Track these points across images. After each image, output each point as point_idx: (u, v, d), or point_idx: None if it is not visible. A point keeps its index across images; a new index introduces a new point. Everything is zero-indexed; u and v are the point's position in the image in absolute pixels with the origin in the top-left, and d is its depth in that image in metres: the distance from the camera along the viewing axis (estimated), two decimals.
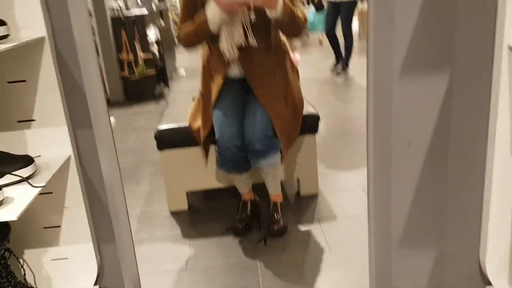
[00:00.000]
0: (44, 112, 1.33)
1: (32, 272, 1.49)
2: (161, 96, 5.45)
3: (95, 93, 1.25)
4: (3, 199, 1.08)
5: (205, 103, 2.29)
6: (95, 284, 1.53)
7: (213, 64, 2.27)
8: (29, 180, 1.19)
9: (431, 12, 1.11)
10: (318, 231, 2.32)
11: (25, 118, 1.32)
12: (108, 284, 1.56)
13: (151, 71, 5.28)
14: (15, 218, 1.03)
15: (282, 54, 2.28)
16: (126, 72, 5.17)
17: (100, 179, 1.41)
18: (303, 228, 2.36)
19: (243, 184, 2.37)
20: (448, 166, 1.25)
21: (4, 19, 1.18)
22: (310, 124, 2.51)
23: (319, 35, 8.00)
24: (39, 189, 1.16)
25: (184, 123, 2.52)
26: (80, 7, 1.32)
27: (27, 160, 1.22)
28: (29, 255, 1.47)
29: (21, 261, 1.46)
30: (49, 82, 1.29)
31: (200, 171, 2.55)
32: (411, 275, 1.38)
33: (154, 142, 2.51)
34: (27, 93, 1.30)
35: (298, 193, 2.72)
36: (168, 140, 2.49)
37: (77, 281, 1.51)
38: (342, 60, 5.93)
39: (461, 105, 1.19)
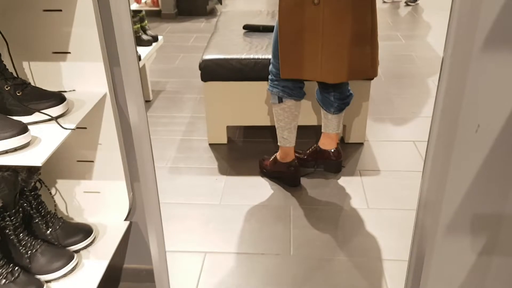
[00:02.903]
0: (80, 45, 1.24)
1: (65, 202, 1.50)
2: (212, 13, 5.24)
3: (124, 29, 1.12)
4: (29, 141, 1.04)
5: None
6: (125, 219, 1.53)
7: None
8: (59, 120, 1.14)
9: None
10: (358, 184, 2.23)
11: (60, 50, 1.25)
12: (138, 220, 1.56)
13: None
14: (39, 164, 0.99)
15: None
16: None
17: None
18: (342, 179, 2.27)
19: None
20: None
21: None
22: None
23: None
24: (68, 131, 1.11)
25: (231, 55, 2.39)
26: None
27: (59, 98, 1.16)
28: (62, 185, 1.47)
29: (52, 191, 1.47)
30: (86, 13, 1.18)
31: (243, 106, 2.46)
32: (454, 262, 1.29)
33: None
34: (62, 24, 1.21)
35: (342, 139, 2.60)
36: (213, 71, 2.38)
37: (108, 214, 1.51)
38: None
39: None
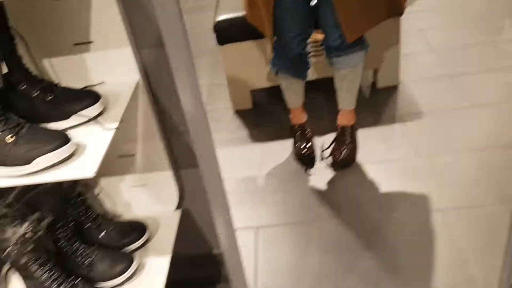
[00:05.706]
0: (103, 32, 1.11)
1: (112, 200, 1.41)
2: None
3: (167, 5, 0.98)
4: (74, 151, 0.93)
5: None
6: (176, 208, 1.45)
7: None
8: (98, 119, 1.03)
9: None
10: (399, 132, 2.11)
11: (82, 40, 1.11)
12: (190, 207, 1.48)
13: None
14: (92, 175, 0.89)
15: None
16: None
17: (177, 105, 1.22)
18: (382, 129, 2.15)
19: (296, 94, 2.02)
20: None
21: None
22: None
23: None
24: (112, 131, 1.00)
25: None
26: None
27: (93, 96, 1.04)
28: (107, 183, 1.38)
29: (97, 191, 1.38)
30: None
31: (266, 66, 2.31)
32: None
33: (209, 27, 2.24)
34: (79, 10, 1.07)
35: (373, 85, 2.45)
36: (229, 33, 2.22)
37: (157, 206, 1.43)
38: None
39: None
